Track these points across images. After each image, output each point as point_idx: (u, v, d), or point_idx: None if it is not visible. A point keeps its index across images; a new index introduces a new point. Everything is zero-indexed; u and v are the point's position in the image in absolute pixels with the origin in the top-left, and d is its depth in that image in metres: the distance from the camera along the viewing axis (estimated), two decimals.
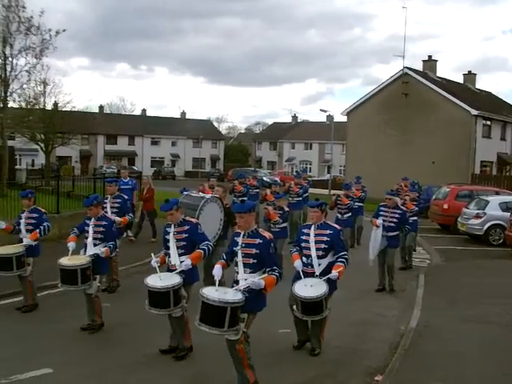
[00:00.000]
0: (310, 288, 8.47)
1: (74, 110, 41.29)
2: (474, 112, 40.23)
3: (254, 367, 7.28)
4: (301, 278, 8.74)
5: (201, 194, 12.76)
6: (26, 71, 28.63)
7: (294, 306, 8.72)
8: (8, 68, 27.33)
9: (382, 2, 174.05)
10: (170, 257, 8.60)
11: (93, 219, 9.82)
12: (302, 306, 8.49)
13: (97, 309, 9.70)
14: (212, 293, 6.97)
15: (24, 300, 10.96)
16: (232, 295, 7.02)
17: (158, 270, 8.39)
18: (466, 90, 48.84)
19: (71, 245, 9.75)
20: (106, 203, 12.44)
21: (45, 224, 10.93)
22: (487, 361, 8.87)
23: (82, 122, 47.37)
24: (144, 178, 19.45)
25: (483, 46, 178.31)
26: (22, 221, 10.95)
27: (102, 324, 9.73)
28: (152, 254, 8.84)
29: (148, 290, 8.17)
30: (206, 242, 8.56)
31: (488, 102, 47.88)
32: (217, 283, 7.39)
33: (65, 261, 9.44)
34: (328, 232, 8.83)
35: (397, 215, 13.40)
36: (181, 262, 8.40)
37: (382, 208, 13.65)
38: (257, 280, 7.06)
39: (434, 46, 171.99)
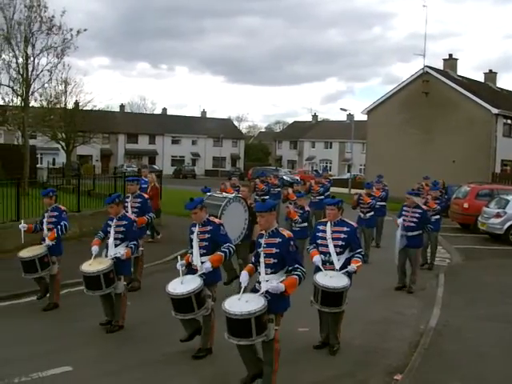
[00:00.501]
0: (331, 278, 8.54)
1: (94, 109, 41.56)
2: (495, 111, 39.92)
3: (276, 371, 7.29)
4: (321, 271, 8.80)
5: (224, 194, 12.78)
6: (48, 70, 28.83)
7: (312, 298, 8.76)
8: (30, 67, 27.52)
9: (403, 0, 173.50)
10: (192, 256, 8.62)
11: (114, 219, 9.86)
12: (322, 296, 8.53)
13: (122, 309, 9.74)
14: (234, 306, 6.97)
15: (48, 297, 11.06)
16: (254, 304, 6.97)
17: (181, 273, 8.41)
18: (487, 88, 48.44)
19: (94, 249, 9.72)
20: (127, 202, 12.47)
21: (62, 223, 10.94)
22: (508, 360, 8.84)
23: (103, 121, 47.68)
24: (148, 176, 19.34)
25: (504, 45, 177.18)
26: (45, 220, 11.04)
27: (121, 326, 9.73)
28: (178, 257, 8.81)
29: (170, 297, 8.22)
30: (228, 244, 8.52)
31: (509, 101, 47.40)
32: (242, 290, 7.38)
33: (86, 267, 9.46)
34: (345, 229, 8.90)
35: (417, 214, 13.29)
36: (202, 262, 8.42)
37: (404, 207, 13.62)
38: (275, 284, 7.01)
39: (454, 44, 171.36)
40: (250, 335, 6.89)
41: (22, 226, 11.03)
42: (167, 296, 8.24)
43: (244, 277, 7.52)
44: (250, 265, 7.79)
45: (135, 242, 9.89)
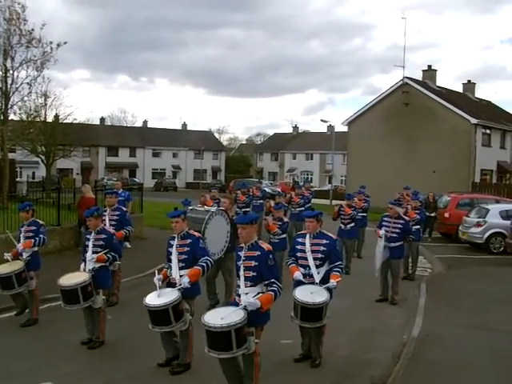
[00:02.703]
0: (310, 294, 8.45)
1: (75, 122, 41.36)
2: (474, 121, 40.27)
3: None
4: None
5: (206, 208, 12.75)
6: (27, 84, 28.55)
7: (292, 313, 8.68)
8: (9, 81, 27.29)
9: (383, 12, 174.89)
10: (171, 269, 8.58)
11: (93, 233, 9.75)
12: (302, 312, 8.45)
13: (102, 324, 9.59)
14: (213, 319, 6.96)
15: (19, 311, 10.92)
16: (233, 316, 6.97)
17: (158, 287, 8.35)
18: (466, 99, 48.93)
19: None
20: (105, 215, 12.39)
21: (41, 236, 10.83)
22: (493, 369, 8.87)
23: (83, 134, 47.38)
24: (83, 188, 19.23)
25: (482, 56, 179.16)
26: (22, 234, 10.88)
27: (102, 342, 9.58)
28: (156, 272, 8.71)
29: (147, 309, 8.17)
30: (206, 258, 8.47)
31: (487, 111, 47.92)
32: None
33: (64, 281, 9.36)
34: (324, 241, 8.84)
35: (399, 225, 13.26)
36: (180, 276, 8.39)
37: (385, 218, 13.55)
38: (252, 301, 7.02)
39: (434, 55, 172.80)
40: (231, 348, 6.86)
41: (7, 255, 10.80)
42: (145, 308, 8.19)
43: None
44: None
45: (114, 254, 9.77)
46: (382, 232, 13.23)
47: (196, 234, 8.86)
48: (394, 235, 13.21)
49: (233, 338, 6.81)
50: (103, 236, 9.72)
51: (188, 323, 8.38)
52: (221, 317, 6.96)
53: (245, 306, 7.05)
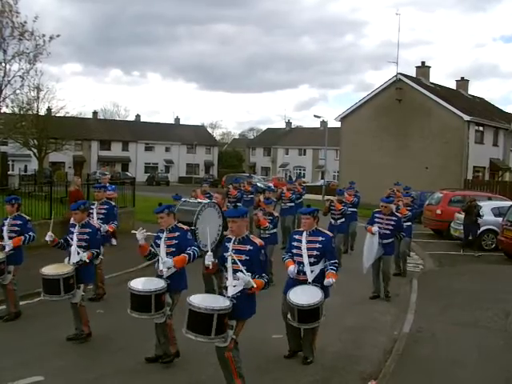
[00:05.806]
0: (305, 295, 8.41)
1: (67, 115, 41.24)
2: (467, 118, 40.27)
3: (243, 376, 7.24)
4: (294, 285, 8.70)
5: (198, 200, 12.75)
6: (20, 76, 28.61)
7: (289, 315, 8.63)
8: (1, 73, 27.28)
9: (374, 9, 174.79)
10: (158, 262, 8.52)
11: (77, 226, 9.69)
12: (299, 314, 8.39)
13: (83, 318, 9.50)
14: (199, 300, 6.98)
15: (6, 309, 10.84)
16: (219, 302, 7.01)
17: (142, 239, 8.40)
18: (459, 96, 48.94)
19: (49, 234, 9.61)
20: (92, 209, 12.34)
21: (31, 234, 10.72)
22: (482, 366, 8.89)
23: (76, 128, 47.31)
24: (75, 180, 19.30)
25: (475, 53, 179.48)
26: (5, 228, 10.71)
27: (89, 334, 9.54)
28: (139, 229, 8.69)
29: (130, 292, 8.15)
30: (193, 248, 8.45)
31: (480, 108, 47.97)
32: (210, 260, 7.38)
33: (47, 270, 9.31)
34: (320, 239, 8.78)
35: (392, 222, 13.26)
36: (168, 268, 8.34)
37: (377, 215, 13.50)
38: (247, 278, 6.97)
39: (426, 52, 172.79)
40: (209, 333, 6.87)
41: None
42: (128, 291, 8.18)
43: (208, 257, 7.46)
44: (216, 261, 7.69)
45: (98, 250, 9.75)
46: (375, 229, 13.15)
47: (184, 227, 8.83)
48: (387, 232, 13.19)
49: (214, 323, 6.82)
50: (88, 230, 9.66)
51: (165, 317, 8.36)
52: (207, 300, 7.03)
53: (233, 296, 7.10)
